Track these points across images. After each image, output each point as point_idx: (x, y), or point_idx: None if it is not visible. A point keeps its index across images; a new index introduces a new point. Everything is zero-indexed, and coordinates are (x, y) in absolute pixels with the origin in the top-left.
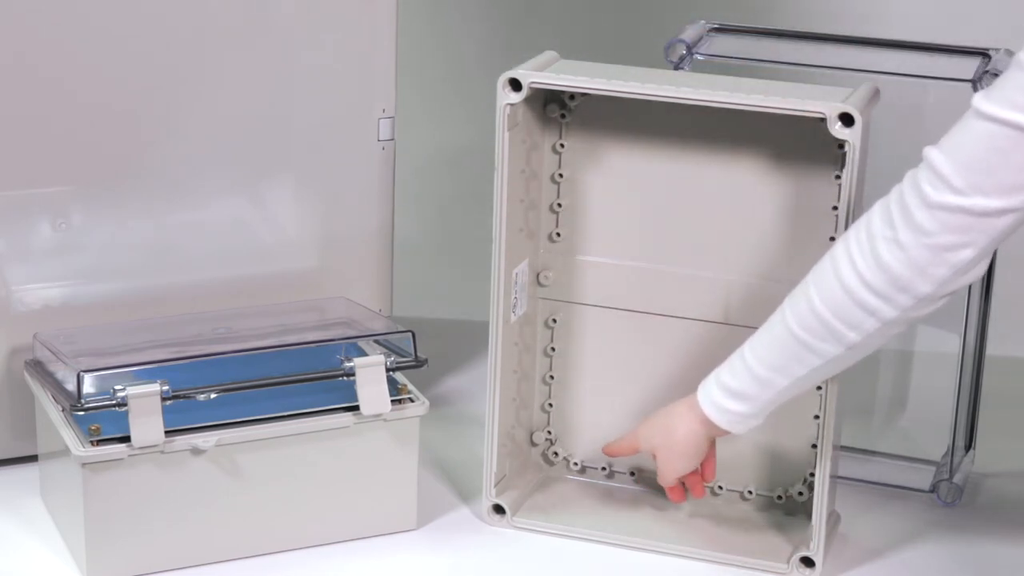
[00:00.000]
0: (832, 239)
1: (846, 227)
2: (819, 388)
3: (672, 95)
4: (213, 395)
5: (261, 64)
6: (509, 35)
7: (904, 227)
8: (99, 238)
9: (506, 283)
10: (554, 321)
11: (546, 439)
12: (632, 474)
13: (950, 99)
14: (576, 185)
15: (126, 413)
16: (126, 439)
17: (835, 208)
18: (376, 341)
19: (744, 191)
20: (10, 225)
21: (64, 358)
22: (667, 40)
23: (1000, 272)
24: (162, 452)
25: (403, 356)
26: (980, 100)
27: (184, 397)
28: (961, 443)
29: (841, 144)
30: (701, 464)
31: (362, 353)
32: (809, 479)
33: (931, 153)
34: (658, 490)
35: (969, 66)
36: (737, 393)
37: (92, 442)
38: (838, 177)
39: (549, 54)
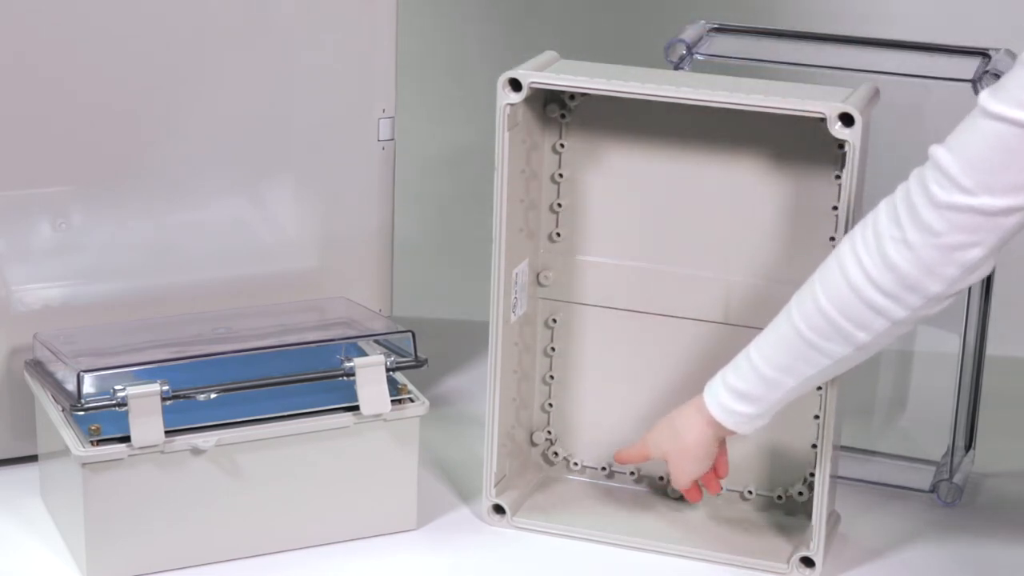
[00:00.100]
0: (832, 239)
1: (846, 227)
2: (819, 388)
3: (672, 95)
4: (213, 395)
5: (261, 64)
6: (509, 35)
7: (912, 227)
8: (99, 238)
9: (506, 283)
10: (554, 321)
11: (546, 439)
12: (632, 474)
13: (950, 99)
14: (576, 185)
15: (126, 413)
16: (126, 439)
17: (835, 208)
18: (376, 341)
19: (744, 191)
20: (10, 225)
21: (64, 358)
22: (667, 40)
23: (1000, 272)
24: (162, 452)
25: (403, 356)
26: (987, 99)
27: (184, 397)
28: (961, 443)
29: (841, 144)
30: (714, 463)
31: (362, 353)
32: (809, 479)
33: (938, 152)
34: (658, 490)
35: (969, 66)
36: (744, 395)
37: (92, 442)
38: (838, 177)
39: (549, 54)
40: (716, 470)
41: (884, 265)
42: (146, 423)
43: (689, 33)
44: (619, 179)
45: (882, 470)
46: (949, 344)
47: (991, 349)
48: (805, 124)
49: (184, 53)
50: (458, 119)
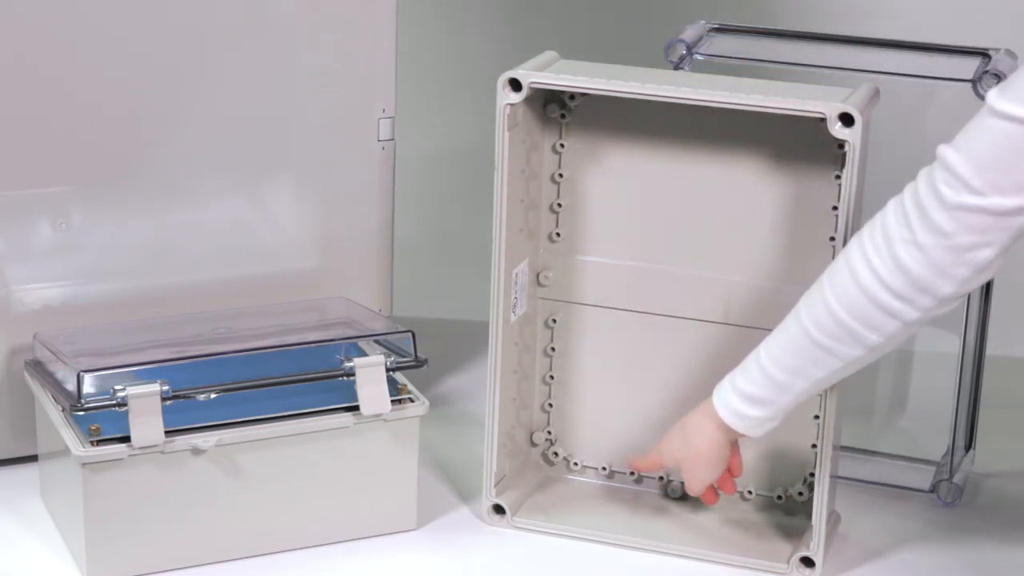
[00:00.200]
0: (832, 239)
1: (846, 227)
2: None
3: (672, 95)
4: (213, 395)
5: (261, 64)
6: (509, 35)
7: (922, 229)
8: (99, 238)
9: (506, 283)
10: (554, 321)
11: (546, 439)
12: (632, 474)
13: (950, 99)
14: (576, 185)
15: (126, 413)
16: (126, 439)
17: (835, 208)
18: (376, 341)
19: (744, 191)
20: (10, 225)
21: (64, 358)
22: (667, 40)
23: (1000, 272)
24: (162, 452)
25: (403, 356)
26: (995, 98)
27: (184, 397)
28: (961, 443)
29: (841, 144)
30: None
31: (362, 353)
32: (809, 479)
33: (946, 152)
34: (658, 490)
35: (969, 66)
36: (754, 398)
37: (92, 442)
38: (838, 177)
39: (549, 54)
40: (731, 470)
41: (895, 267)
42: (146, 423)
43: (689, 33)
44: (619, 179)
45: (882, 470)
46: (949, 344)
47: (991, 349)
48: (805, 124)
49: (184, 53)
50: (458, 119)
